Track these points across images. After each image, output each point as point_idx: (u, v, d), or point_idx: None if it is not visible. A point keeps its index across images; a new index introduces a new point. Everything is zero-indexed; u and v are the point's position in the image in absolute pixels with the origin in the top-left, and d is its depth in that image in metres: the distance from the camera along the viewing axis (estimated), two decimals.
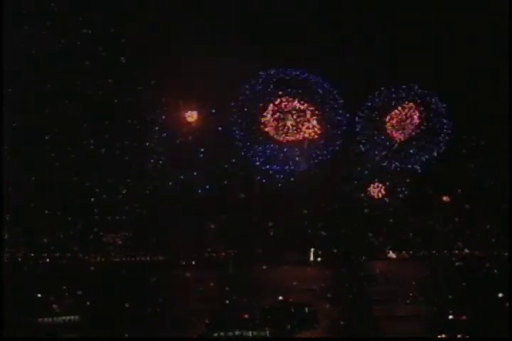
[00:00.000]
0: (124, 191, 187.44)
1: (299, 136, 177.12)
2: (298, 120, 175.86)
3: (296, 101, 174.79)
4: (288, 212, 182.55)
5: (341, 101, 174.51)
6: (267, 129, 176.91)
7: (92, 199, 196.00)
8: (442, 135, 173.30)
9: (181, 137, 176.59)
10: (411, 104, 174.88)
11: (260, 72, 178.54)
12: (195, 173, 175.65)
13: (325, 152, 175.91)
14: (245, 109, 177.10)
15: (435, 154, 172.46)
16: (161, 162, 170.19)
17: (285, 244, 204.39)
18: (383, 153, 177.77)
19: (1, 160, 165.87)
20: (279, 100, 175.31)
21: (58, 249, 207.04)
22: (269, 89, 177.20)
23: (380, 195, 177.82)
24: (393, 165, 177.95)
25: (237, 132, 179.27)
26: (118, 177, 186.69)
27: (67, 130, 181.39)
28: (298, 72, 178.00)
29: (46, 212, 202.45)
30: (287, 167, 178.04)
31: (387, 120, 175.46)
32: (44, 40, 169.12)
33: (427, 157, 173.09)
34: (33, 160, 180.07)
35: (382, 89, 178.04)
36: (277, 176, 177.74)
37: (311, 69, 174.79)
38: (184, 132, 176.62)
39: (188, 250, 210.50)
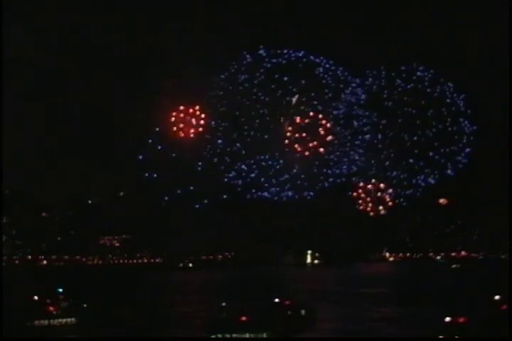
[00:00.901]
0: (122, 193, 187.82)
1: (301, 148, 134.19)
2: (299, 125, 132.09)
3: (296, 98, 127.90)
4: (286, 215, 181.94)
5: (363, 96, 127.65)
6: (251, 140, 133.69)
7: (90, 202, 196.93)
8: (461, 144, 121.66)
9: (177, 150, 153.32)
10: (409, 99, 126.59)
11: (245, 53, 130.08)
12: (191, 188, 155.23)
13: (337, 171, 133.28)
14: (222, 109, 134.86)
15: (450, 172, 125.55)
16: (155, 175, 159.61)
17: (283, 247, 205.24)
18: (372, 172, 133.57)
19: (1, 160, 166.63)
20: (271, 96, 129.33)
21: (56, 251, 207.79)
22: (256, 80, 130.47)
23: (375, 211, 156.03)
24: (386, 189, 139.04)
25: (217, 141, 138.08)
26: (116, 181, 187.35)
27: (65, 132, 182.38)
28: (300, 54, 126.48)
29: (44, 214, 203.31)
30: (284, 194, 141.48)
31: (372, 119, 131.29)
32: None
33: (436, 177, 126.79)
34: (33, 161, 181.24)
35: (368, 72, 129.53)
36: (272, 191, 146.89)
37: (314, 51, 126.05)
38: (181, 144, 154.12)
39: (185, 252, 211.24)
